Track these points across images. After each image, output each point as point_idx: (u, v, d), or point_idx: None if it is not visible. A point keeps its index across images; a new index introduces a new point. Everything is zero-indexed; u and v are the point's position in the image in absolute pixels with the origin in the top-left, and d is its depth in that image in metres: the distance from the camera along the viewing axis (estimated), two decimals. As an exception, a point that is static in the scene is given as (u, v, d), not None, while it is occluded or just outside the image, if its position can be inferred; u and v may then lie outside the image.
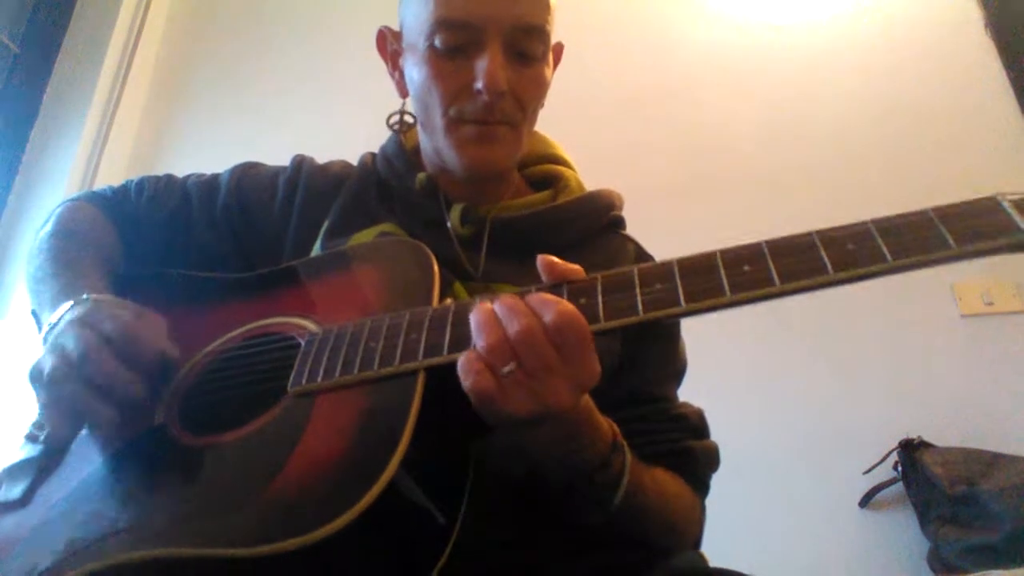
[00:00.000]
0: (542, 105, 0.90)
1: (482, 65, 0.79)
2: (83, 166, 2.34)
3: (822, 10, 2.13)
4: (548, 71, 0.87)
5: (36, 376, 0.66)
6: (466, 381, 0.56)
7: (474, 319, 0.57)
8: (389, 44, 0.93)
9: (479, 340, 0.56)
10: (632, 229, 0.98)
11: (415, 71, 0.84)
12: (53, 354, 0.66)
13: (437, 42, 0.80)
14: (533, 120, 0.88)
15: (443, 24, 0.80)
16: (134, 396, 0.65)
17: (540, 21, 0.82)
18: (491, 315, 0.57)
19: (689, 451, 0.82)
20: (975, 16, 1.99)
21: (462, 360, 0.56)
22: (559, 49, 0.93)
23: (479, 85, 0.79)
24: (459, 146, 0.83)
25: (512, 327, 0.55)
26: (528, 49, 0.81)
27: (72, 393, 0.64)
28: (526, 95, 0.83)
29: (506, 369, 0.55)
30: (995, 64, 1.92)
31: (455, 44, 0.80)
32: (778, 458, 1.67)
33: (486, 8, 0.79)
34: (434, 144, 0.87)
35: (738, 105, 2.08)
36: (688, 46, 2.21)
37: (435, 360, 0.59)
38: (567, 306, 0.56)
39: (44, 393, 0.66)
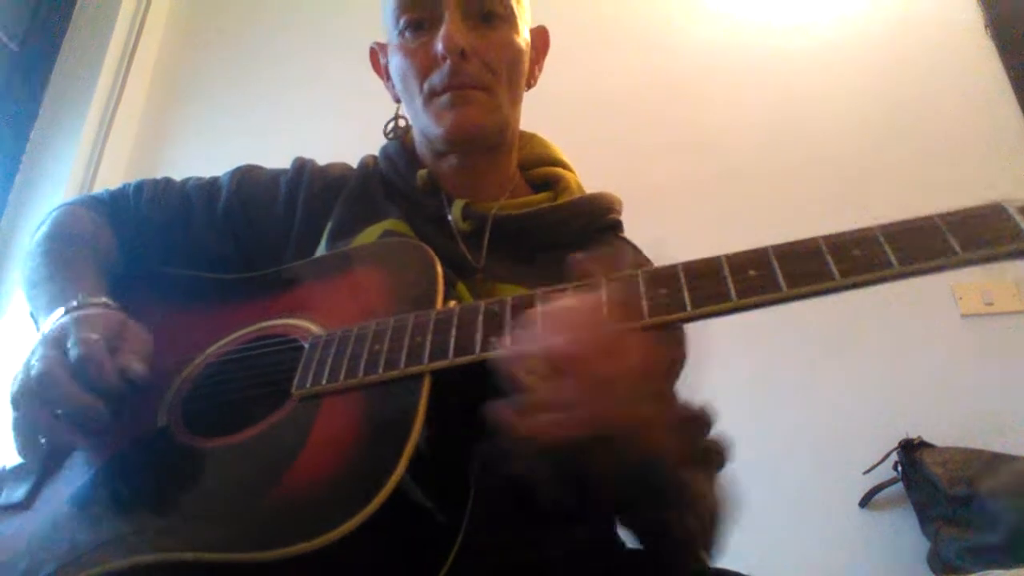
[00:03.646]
0: (529, 86, 0.93)
1: (441, 31, 0.82)
2: (83, 166, 2.33)
3: (823, 10, 2.13)
4: (516, 36, 0.88)
5: (11, 391, 0.68)
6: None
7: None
8: (380, 58, 0.96)
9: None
10: (633, 228, 0.98)
11: (393, 64, 0.89)
12: (23, 374, 0.67)
13: (403, 26, 0.86)
14: (512, 88, 0.89)
15: (403, 7, 0.85)
16: (93, 418, 0.65)
17: None
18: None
19: (705, 449, 0.82)
20: (975, 16, 1.98)
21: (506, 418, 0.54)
22: (543, 33, 0.96)
23: (439, 48, 0.82)
24: (437, 117, 0.85)
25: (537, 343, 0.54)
26: (487, 9, 0.85)
27: (31, 415, 0.65)
28: (493, 57, 0.85)
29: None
30: (995, 64, 1.92)
31: (416, 21, 0.85)
32: (778, 458, 1.67)
33: None
34: (421, 127, 0.90)
35: (738, 105, 2.08)
36: (689, 46, 2.21)
37: (440, 364, 0.59)
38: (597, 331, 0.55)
39: (12, 412, 0.67)
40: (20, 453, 0.71)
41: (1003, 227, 0.49)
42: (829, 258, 0.52)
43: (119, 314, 0.73)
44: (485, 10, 0.84)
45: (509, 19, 0.87)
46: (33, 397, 0.65)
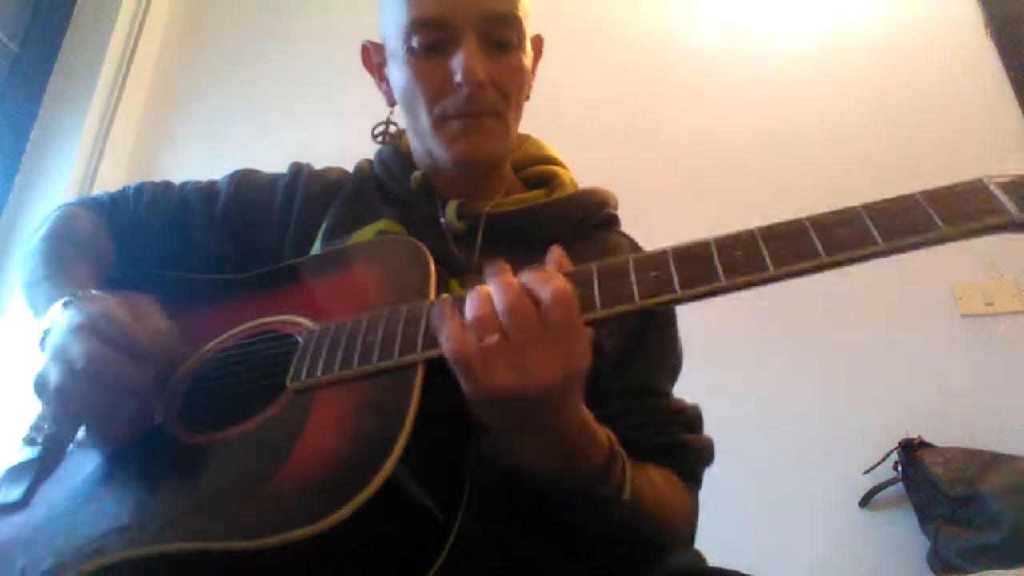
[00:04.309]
0: (527, 96, 0.91)
1: (459, 59, 0.80)
2: (83, 166, 2.33)
3: (822, 11, 2.13)
4: (526, 59, 0.87)
5: (41, 386, 0.66)
6: (446, 345, 0.56)
7: (469, 296, 0.58)
8: (373, 57, 0.94)
9: (468, 312, 0.57)
10: (630, 230, 0.98)
11: (398, 76, 0.86)
12: (57, 363, 0.65)
13: (414, 43, 0.82)
14: (519, 110, 0.89)
15: (417, 25, 0.82)
16: (150, 387, 0.66)
17: (510, 8, 0.84)
18: (483, 291, 0.57)
19: (685, 444, 0.82)
20: (975, 16, 1.99)
21: (446, 327, 0.56)
22: (539, 41, 0.95)
23: (458, 79, 0.80)
24: (448, 142, 0.84)
25: (500, 300, 0.56)
26: (503, 37, 0.83)
27: (84, 400, 0.64)
28: (507, 84, 0.84)
29: (490, 339, 0.55)
30: (995, 64, 1.92)
31: (431, 43, 0.82)
32: (778, 458, 1.67)
33: (455, 3, 0.81)
34: (424, 145, 0.88)
35: (737, 107, 2.08)
36: (688, 48, 2.21)
37: (434, 352, 0.59)
38: (560, 282, 0.56)
39: (53, 403, 0.66)
40: (59, 440, 0.70)
41: (984, 202, 0.50)
42: (814, 236, 0.53)
43: (121, 295, 0.73)
44: (501, 39, 0.83)
45: (521, 44, 0.86)
46: (83, 384, 0.64)
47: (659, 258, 0.57)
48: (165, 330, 0.69)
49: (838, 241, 0.52)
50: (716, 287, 0.54)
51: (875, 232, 0.51)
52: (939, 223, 0.50)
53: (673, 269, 0.56)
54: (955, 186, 0.52)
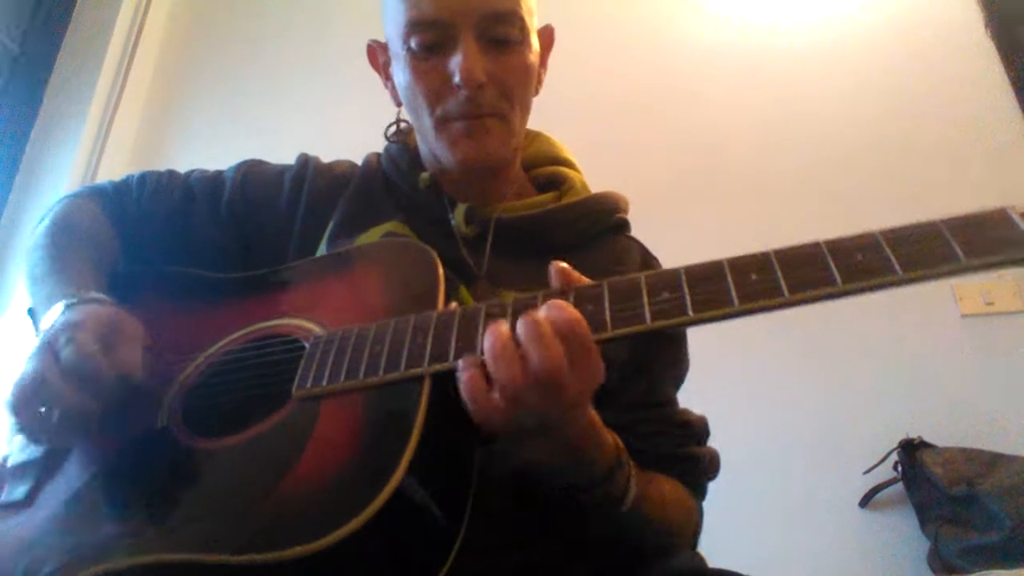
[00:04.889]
0: (536, 92, 0.90)
1: (457, 60, 0.79)
2: (83, 165, 2.33)
3: (822, 10, 2.13)
4: (531, 55, 0.86)
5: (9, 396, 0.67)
6: (471, 406, 0.55)
7: (490, 346, 0.55)
8: (379, 56, 0.94)
9: (497, 372, 0.54)
10: (632, 229, 0.97)
11: (400, 77, 0.86)
12: (17, 378, 0.66)
13: (413, 44, 0.82)
14: (525, 108, 0.87)
15: (415, 26, 0.81)
16: (85, 418, 0.65)
17: (510, 5, 0.82)
18: (501, 339, 0.55)
19: (692, 457, 0.82)
20: (975, 16, 1.99)
21: (470, 389, 0.55)
22: (549, 32, 0.93)
23: (457, 80, 0.79)
24: (450, 144, 0.83)
25: (533, 360, 0.54)
26: (503, 35, 0.82)
27: (24, 419, 0.65)
28: (509, 82, 0.83)
29: (512, 389, 0.54)
30: (995, 64, 1.92)
31: (429, 43, 0.81)
32: (778, 458, 1.67)
33: (452, 2, 0.80)
34: (428, 146, 0.88)
35: (738, 106, 2.08)
36: (688, 46, 2.21)
37: (441, 366, 0.58)
38: (555, 348, 0.54)
39: (8, 415, 0.67)
40: (22, 452, 0.71)
41: (1007, 234, 0.48)
42: (831, 263, 0.52)
43: (112, 309, 0.72)
44: (502, 36, 0.81)
45: (524, 40, 0.84)
46: (28, 398, 0.64)
47: (672, 279, 0.56)
48: (134, 361, 0.67)
49: (856, 269, 0.50)
50: (730, 311, 0.53)
51: (895, 261, 0.50)
52: (960, 255, 0.48)
53: (686, 291, 0.55)
54: (977, 215, 0.50)
